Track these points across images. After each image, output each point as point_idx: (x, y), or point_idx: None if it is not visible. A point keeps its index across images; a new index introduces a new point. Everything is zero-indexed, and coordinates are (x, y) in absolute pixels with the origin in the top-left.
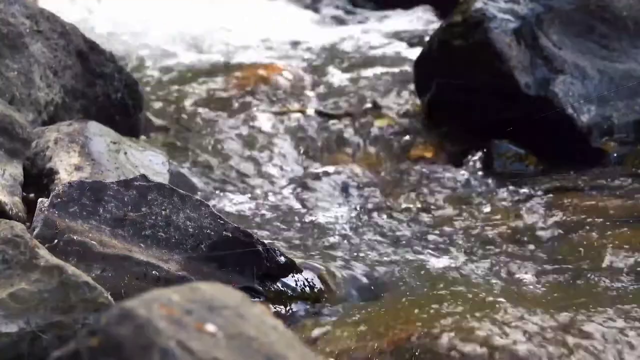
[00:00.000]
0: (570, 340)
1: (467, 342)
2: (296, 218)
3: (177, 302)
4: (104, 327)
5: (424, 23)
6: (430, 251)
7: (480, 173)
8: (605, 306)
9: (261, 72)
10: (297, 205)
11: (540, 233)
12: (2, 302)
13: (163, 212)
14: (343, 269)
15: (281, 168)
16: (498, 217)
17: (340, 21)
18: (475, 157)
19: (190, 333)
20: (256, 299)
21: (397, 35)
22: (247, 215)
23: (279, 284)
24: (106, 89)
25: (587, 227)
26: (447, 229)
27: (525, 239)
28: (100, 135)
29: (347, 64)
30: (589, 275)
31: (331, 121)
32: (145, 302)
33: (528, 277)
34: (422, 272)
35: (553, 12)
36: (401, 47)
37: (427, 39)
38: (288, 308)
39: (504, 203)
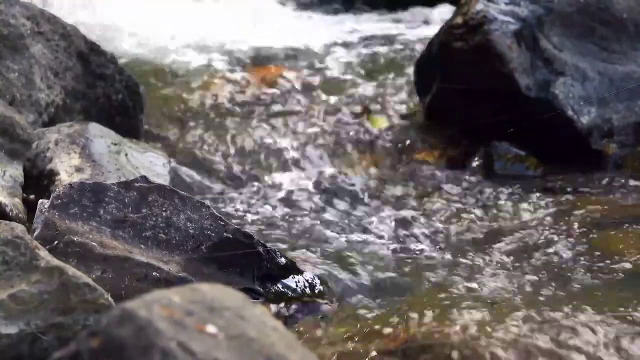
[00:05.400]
0: (571, 340)
1: (467, 342)
2: (296, 219)
3: (177, 303)
4: (105, 328)
5: (424, 24)
6: (430, 252)
7: (480, 174)
8: (606, 307)
9: (262, 73)
10: (297, 207)
11: (540, 234)
12: (2, 304)
13: (164, 214)
14: (343, 270)
15: (281, 169)
16: (498, 218)
17: (340, 22)
18: (476, 159)
19: (191, 334)
20: (256, 300)
21: (398, 37)
22: (248, 217)
23: (279, 285)
24: (107, 90)
25: (587, 228)
26: (447, 230)
27: (526, 240)
28: (101, 137)
29: (348, 65)
30: (589, 276)
31: (331, 122)
32: (146, 303)
33: (528, 277)
34: (423, 273)
35: (553, 14)
36: (402, 49)
37: (427, 40)
38: (288, 309)
39: (504, 204)
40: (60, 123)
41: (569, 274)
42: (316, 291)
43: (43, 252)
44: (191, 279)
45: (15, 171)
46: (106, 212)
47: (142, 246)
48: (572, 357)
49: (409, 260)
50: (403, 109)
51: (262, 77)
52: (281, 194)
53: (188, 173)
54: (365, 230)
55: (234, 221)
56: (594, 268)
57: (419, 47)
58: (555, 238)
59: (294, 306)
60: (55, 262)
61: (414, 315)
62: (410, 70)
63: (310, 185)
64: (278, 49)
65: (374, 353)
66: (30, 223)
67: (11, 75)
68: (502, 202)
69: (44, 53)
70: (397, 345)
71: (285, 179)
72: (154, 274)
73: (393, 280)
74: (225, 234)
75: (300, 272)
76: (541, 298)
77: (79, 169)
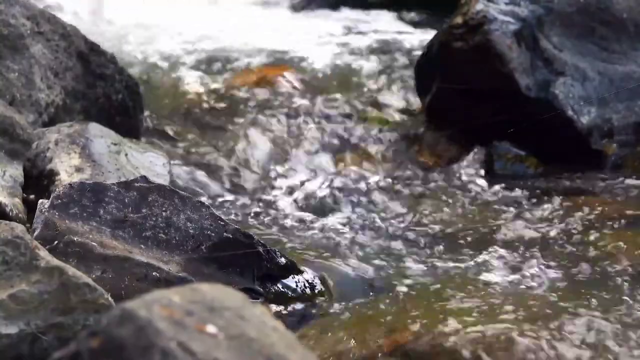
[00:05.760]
0: (570, 340)
1: (467, 342)
2: (296, 219)
3: (177, 303)
4: (105, 328)
5: (424, 25)
6: (430, 252)
7: (480, 174)
8: (605, 307)
9: (262, 74)
10: (297, 207)
11: (539, 234)
12: (3, 304)
13: (163, 214)
14: (343, 270)
15: (282, 169)
16: (498, 218)
17: (340, 22)
18: (476, 159)
19: (191, 334)
20: (256, 300)
21: (398, 37)
22: (248, 217)
23: (279, 285)
24: (107, 91)
25: (587, 229)
26: (447, 230)
27: (525, 240)
28: (101, 137)
29: (348, 65)
30: (588, 276)
31: (332, 123)
32: (146, 303)
33: (528, 278)
34: (423, 273)
35: (554, 14)
36: (402, 49)
37: (427, 41)
38: (288, 309)
39: (504, 204)
40: (60, 123)
41: (569, 274)
42: (316, 291)
43: (43, 252)
44: (191, 279)
45: (15, 171)
46: (106, 212)
47: (142, 246)
48: (573, 356)
49: (409, 261)
50: (403, 109)
51: (262, 78)
52: (281, 194)
53: (188, 173)
54: (365, 231)
55: (233, 221)
56: (595, 268)
57: (419, 47)
58: (556, 238)
59: (294, 306)
60: (55, 262)
61: (415, 315)
62: (410, 70)
63: (309, 186)
64: (278, 49)
65: (374, 353)
66: (30, 223)
67: (11, 75)
68: (502, 202)
69: (44, 53)
70: (398, 345)
71: (285, 179)
72: (154, 274)
73: (393, 280)
74: (225, 234)
75: (300, 272)
76: (542, 298)
77: (79, 169)
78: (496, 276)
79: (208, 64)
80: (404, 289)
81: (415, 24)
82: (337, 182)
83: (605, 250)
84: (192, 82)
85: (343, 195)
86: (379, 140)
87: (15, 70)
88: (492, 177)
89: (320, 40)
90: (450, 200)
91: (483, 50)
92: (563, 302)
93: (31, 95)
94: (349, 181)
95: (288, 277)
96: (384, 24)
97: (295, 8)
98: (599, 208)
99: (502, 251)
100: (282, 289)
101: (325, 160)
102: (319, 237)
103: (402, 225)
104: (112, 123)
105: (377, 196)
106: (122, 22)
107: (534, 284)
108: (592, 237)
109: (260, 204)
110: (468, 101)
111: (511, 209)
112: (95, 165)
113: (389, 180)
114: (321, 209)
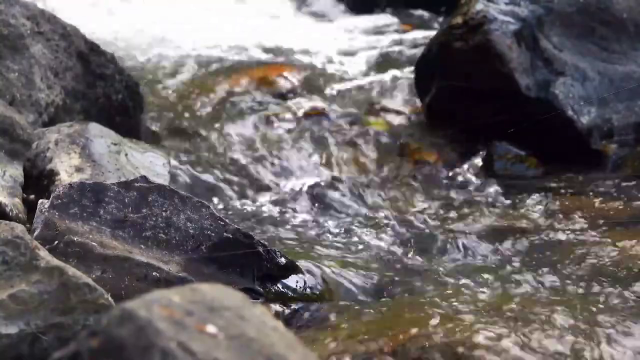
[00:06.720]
0: (569, 341)
1: (467, 343)
2: (296, 219)
3: (177, 303)
4: (105, 328)
5: (424, 25)
6: (430, 252)
7: (480, 174)
8: (604, 308)
9: (262, 73)
10: (297, 207)
11: (539, 234)
12: (2, 304)
13: (164, 214)
14: (343, 270)
15: (282, 169)
16: (498, 218)
17: (339, 23)
18: (476, 159)
19: (191, 334)
20: (256, 300)
21: (398, 37)
22: (248, 217)
23: (279, 285)
24: (107, 91)
25: (587, 229)
26: (447, 230)
27: (525, 240)
28: (101, 137)
29: (347, 65)
30: (588, 277)
31: (332, 123)
32: (146, 303)
33: (527, 278)
34: (423, 273)
35: (553, 14)
36: (402, 49)
37: (427, 40)
38: (288, 309)
39: (504, 204)
40: (60, 123)
41: (569, 274)
42: (316, 291)
43: (43, 252)
44: (191, 279)
45: (15, 171)
46: (106, 212)
47: (142, 246)
48: (571, 357)
49: (409, 260)
50: (403, 109)
51: (262, 77)
52: (281, 194)
53: (188, 173)
54: (365, 231)
55: (233, 221)
56: (594, 268)
57: (419, 47)
58: (555, 238)
59: (294, 306)
60: (55, 262)
61: (414, 315)
62: (410, 70)
63: (310, 186)
64: (278, 49)
65: (373, 353)
66: (30, 223)
67: (11, 75)
68: (502, 202)
69: (44, 53)
70: (397, 345)
71: (286, 179)
72: (154, 274)
73: (393, 280)
74: (225, 234)
75: (300, 272)
76: (541, 298)
77: (79, 169)
78: (496, 277)
79: (208, 64)
80: (404, 288)
81: (416, 24)
82: (337, 182)
83: (605, 250)
84: (192, 82)
85: (342, 196)
86: (379, 141)
87: (15, 70)
88: (492, 177)
89: (320, 40)
90: (450, 201)
91: (483, 50)
92: (563, 302)
93: (31, 95)
94: (348, 181)
95: (288, 277)
96: (384, 24)
97: (296, 8)
98: (599, 208)
99: (502, 251)
100: (282, 289)
101: (324, 160)
102: (319, 237)
103: (401, 225)
104: (112, 123)
105: (376, 196)
106: (122, 23)
107: (533, 284)
108: (592, 237)
109: (261, 204)
110: (468, 101)
111: (511, 209)
112: (95, 165)
113: (389, 180)
114: (321, 209)
